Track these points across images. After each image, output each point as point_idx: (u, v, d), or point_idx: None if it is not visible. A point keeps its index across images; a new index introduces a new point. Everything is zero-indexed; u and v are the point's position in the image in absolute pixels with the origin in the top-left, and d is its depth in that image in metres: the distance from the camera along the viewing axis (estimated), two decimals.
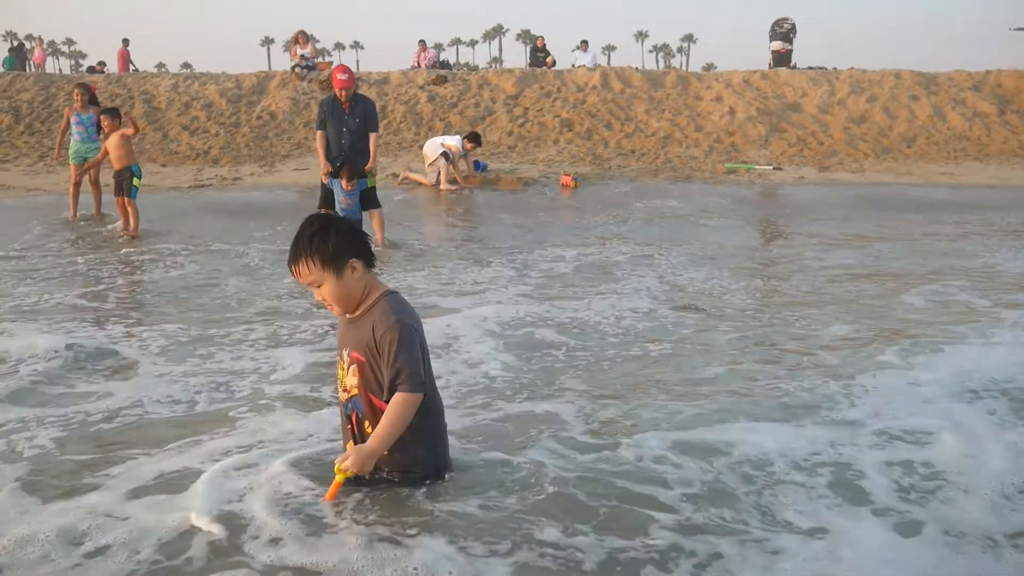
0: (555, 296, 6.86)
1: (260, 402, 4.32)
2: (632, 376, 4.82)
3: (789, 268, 8.33)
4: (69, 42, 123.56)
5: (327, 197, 8.97)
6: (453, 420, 3.67)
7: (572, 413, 4.15)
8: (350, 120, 8.86)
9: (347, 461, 3.01)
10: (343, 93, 8.80)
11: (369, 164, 8.94)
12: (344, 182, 8.66)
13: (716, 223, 11.31)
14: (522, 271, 7.94)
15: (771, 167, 16.64)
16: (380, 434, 3.04)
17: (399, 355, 3.01)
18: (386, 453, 3.14)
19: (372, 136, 8.98)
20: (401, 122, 19.15)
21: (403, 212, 11.87)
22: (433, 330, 5.39)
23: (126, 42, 25.79)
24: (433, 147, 14.56)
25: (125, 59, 25.38)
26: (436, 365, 4.71)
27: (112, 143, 9.78)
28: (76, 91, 11.20)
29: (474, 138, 14.84)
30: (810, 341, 5.54)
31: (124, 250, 8.94)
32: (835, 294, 6.98)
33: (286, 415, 4.13)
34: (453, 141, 14.61)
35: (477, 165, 15.56)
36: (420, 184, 14.63)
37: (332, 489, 3.06)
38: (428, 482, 3.24)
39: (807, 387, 4.56)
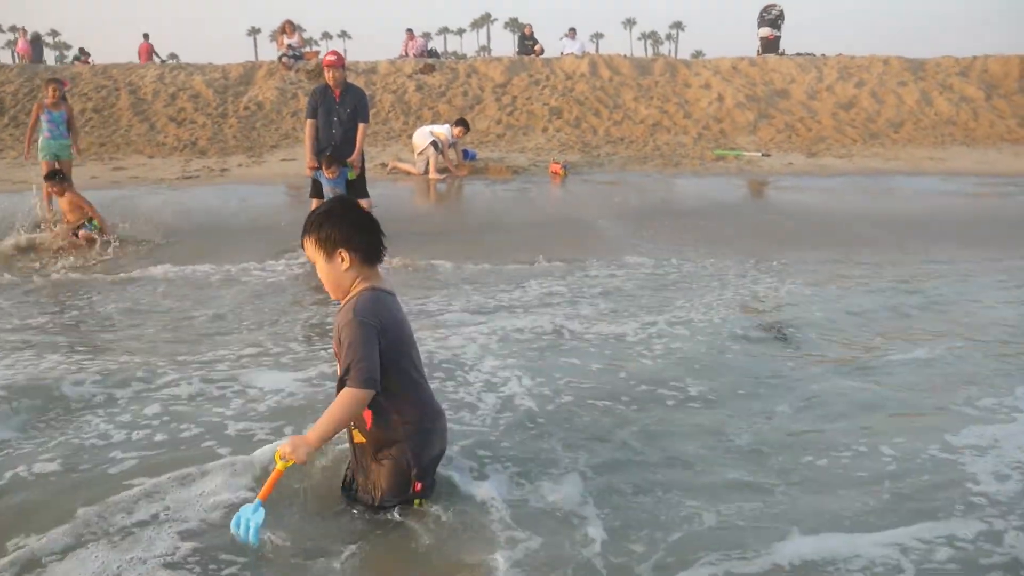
0: (614, 313, 6.46)
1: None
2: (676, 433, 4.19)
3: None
4: (54, 33, 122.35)
5: (317, 188, 8.95)
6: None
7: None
8: (340, 109, 8.81)
9: (285, 447, 2.98)
10: (331, 73, 8.71)
11: (354, 156, 8.87)
12: (325, 170, 8.65)
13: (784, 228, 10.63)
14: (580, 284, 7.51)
15: (760, 154, 16.66)
16: (317, 425, 3.02)
17: (349, 350, 3.00)
18: (362, 476, 3.19)
19: (361, 126, 8.92)
20: (389, 111, 19.08)
21: (437, 223, 11.32)
22: (454, 348, 5.38)
23: (147, 36, 25.70)
24: (423, 136, 14.51)
25: (149, 52, 25.23)
26: (453, 387, 4.74)
27: (64, 206, 9.50)
28: (51, 86, 10.58)
29: (462, 123, 14.81)
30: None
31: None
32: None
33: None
34: (442, 130, 14.57)
35: (466, 154, 15.52)
36: (409, 173, 14.59)
37: (268, 482, 2.96)
38: (396, 509, 3.20)
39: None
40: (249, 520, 2.83)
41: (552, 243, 9.30)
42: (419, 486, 3.22)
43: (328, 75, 8.77)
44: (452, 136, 14.53)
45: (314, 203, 8.47)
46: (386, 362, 3.05)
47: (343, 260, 3.09)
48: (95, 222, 9.40)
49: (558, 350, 5.50)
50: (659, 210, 11.71)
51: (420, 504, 3.23)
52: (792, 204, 12.54)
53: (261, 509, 2.87)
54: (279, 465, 2.95)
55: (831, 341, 5.72)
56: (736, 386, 4.83)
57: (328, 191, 8.72)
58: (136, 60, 24.17)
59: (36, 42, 26.70)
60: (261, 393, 4.64)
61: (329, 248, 3.09)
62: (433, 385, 3.60)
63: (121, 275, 7.96)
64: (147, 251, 9.15)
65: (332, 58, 8.82)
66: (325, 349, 5.41)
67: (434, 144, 14.27)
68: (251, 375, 4.92)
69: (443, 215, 12.37)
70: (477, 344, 5.52)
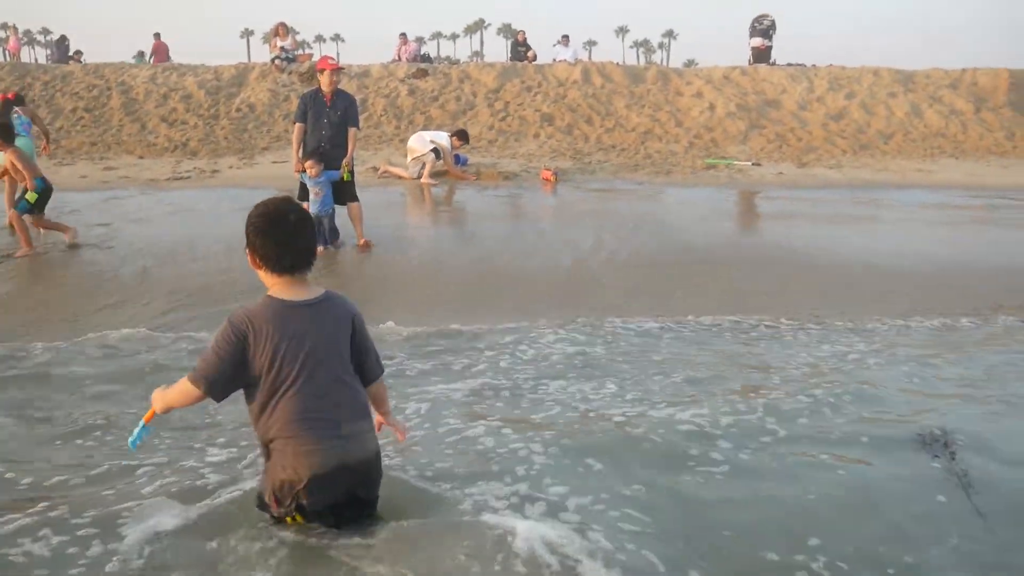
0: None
1: None
2: None
3: None
4: (45, 31, 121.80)
5: (304, 191, 8.94)
6: None
7: None
8: (331, 113, 8.81)
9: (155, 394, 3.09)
10: (333, 77, 8.75)
11: (346, 158, 8.88)
12: (307, 168, 8.60)
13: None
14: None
15: (750, 163, 16.74)
16: (164, 393, 3.07)
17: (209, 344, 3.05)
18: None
19: (352, 130, 8.93)
20: (382, 115, 19.08)
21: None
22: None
23: (158, 35, 25.67)
24: (421, 142, 14.54)
25: (164, 51, 25.18)
26: None
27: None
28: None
29: (462, 135, 14.88)
30: None
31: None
32: None
33: None
34: (442, 139, 14.60)
35: (458, 159, 15.54)
36: (400, 177, 14.59)
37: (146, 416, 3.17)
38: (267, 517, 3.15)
39: None
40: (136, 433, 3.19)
41: (554, 295, 7.79)
42: (275, 505, 3.03)
43: (326, 79, 8.79)
44: (451, 145, 14.59)
45: (304, 207, 8.43)
46: (256, 370, 2.94)
47: (253, 263, 3.04)
48: (30, 196, 8.64)
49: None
50: (668, 248, 9.65)
51: (294, 521, 3.09)
52: (833, 240, 10.21)
53: (145, 427, 3.19)
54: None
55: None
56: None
57: (312, 192, 8.72)
58: (127, 60, 24.15)
59: (61, 43, 26.64)
60: None
61: (248, 248, 3.03)
62: None
63: None
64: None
65: (335, 62, 8.90)
66: None
67: (435, 151, 14.35)
68: None
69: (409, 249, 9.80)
70: None
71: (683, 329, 6.51)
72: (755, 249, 9.98)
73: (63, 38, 26.83)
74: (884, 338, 6.27)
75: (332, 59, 9.05)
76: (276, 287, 3.02)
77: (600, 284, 8.20)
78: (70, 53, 26.33)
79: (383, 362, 3.28)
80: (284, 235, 2.96)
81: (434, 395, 4.83)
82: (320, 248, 8.74)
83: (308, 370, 2.93)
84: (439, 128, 16.77)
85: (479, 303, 7.43)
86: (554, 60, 23.01)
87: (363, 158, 15.76)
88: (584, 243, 9.67)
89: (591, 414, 4.52)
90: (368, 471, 3.06)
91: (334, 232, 9.13)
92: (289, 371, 2.92)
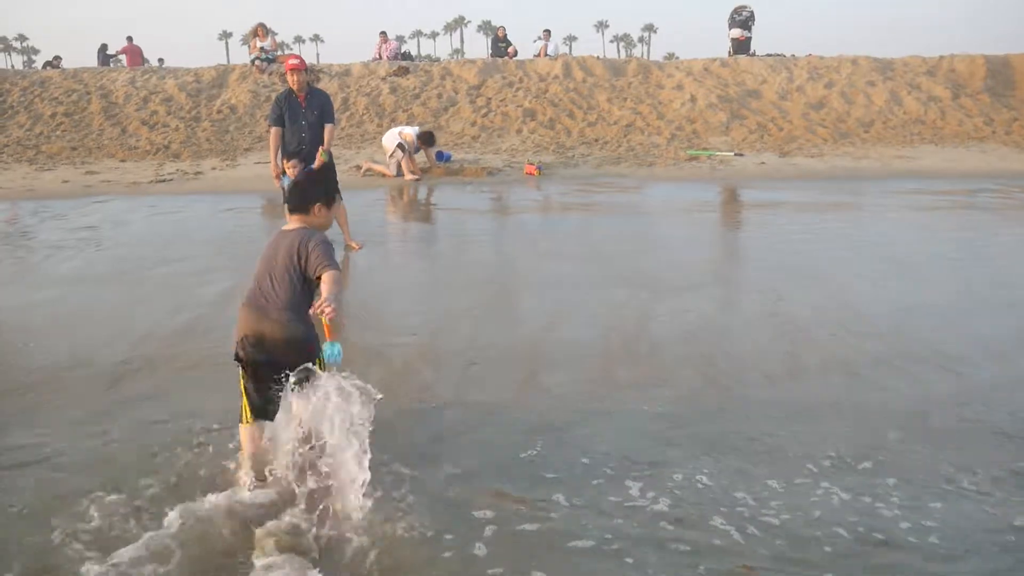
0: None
1: None
2: None
3: None
4: (21, 38, 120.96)
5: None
6: None
7: None
8: (307, 113, 8.65)
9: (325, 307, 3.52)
10: (295, 77, 8.57)
11: (320, 152, 8.68)
12: (287, 169, 8.51)
13: None
14: None
15: (732, 153, 16.83)
16: (325, 309, 3.56)
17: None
18: None
19: (328, 127, 8.76)
20: (364, 114, 19.08)
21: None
22: None
23: (130, 39, 25.49)
24: (391, 139, 14.63)
25: (138, 54, 25.01)
26: None
27: None
28: None
29: (424, 138, 14.87)
30: None
31: None
32: None
33: None
34: (410, 131, 14.65)
35: (441, 156, 15.58)
36: (384, 175, 14.61)
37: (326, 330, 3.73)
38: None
39: None
40: (332, 351, 3.67)
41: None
42: (235, 348, 3.80)
43: (292, 79, 8.57)
44: (416, 143, 14.63)
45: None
46: None
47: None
48: None
49: None
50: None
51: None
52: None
53: (334, 344, 3.69)
54: (324, 321, 3.59)
55: None
56: None
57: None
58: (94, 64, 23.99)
59: (103, 51, 26.41)
60: None
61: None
62: None
63: None
64: None
65: (295, 62, 8.61)
66: None
67: (401, 146, 14.37)
68: None
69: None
70: None
71: None
72: None
73: (104, 46, 26.55)
74: None
75: (295, 59, 8.75)
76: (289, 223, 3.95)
77: None
78: (41, 62, 25.94)
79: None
80: (290, 194, 4.01)
81: None
82: None
83: (262, 269, 3.81)
84: (421, 125, 16.80)
85: None
86: (535, 56, 23.03)
87: (346, 157, 15.78)
88: None
89: None
90: (284, 346, 3.72)
91: None
92: (258, 268, 3.84)
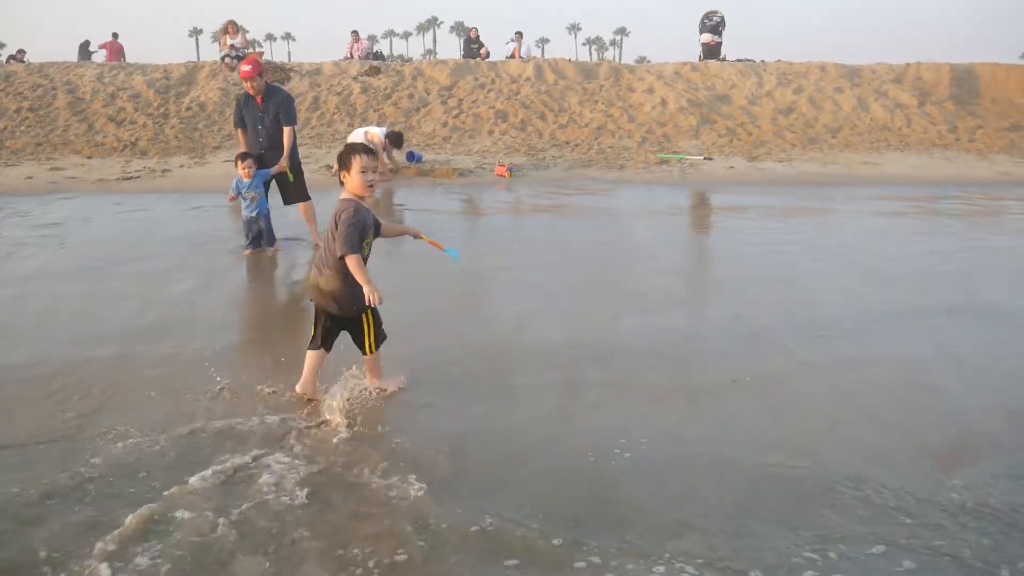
0: None
1: None
2: None
3: None
4: None
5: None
6: None
7: None
8: (264, 116, 8.57)
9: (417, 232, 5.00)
10: (249, 85, 8.49)
11: (282, 160, 8.59)
12: (240, 170, 8.37)
13: None
14: None
15: (702, 157, 16.95)
16: (410, 228, 5.10)
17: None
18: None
19: (286, 129, 8.63)
20: (335, 113, 18.99)
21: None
22: None
23: (116, 35, 25.21)
24: (357, 138, 14.51)
25: (119, 51, 24.70)
26: None
27: None
28: None
29: (395, 139, 14.80)
30: None
31: None
32: None
33: None
34: (377, 132, 14.54)
35: (412, 156, 15.55)
36: None
37: (435, 245, 5.02)
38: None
39: None
40: (453, 253, 5.09)
41: None
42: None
43: (246, 86, 8.54)
44: (385, 143, 14.51)
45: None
46: None
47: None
48: None
49: None
50: None
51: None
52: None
53: (450, 251, 5.08)
54: (425, 239, 4.95)
55: None
56: None
57: (245, 196, 8.44)
58: (73, 59, 23.66)
59: (85, 48, 26.01)
60: None
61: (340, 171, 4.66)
62: None
63: None
64: None
65: (247, 69, 8.41)
66: None
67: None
68: None
69: None
70: None
71: None
72: None
73: (87, 42, 26.19)
74: None
75: (248, 64, 8.50)
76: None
77: None
78: (5, 56, 25.69)
79: None
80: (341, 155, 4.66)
81: None
82: (249, 251, 8.64)
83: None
84: (392, 125, 16.75)
85: None
86: (507, 57, 23.06)
87: (316, 156, 15.70)
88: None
89: None
90: (333, 298, 4.55)
91: (271, 236, 8.72)
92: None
